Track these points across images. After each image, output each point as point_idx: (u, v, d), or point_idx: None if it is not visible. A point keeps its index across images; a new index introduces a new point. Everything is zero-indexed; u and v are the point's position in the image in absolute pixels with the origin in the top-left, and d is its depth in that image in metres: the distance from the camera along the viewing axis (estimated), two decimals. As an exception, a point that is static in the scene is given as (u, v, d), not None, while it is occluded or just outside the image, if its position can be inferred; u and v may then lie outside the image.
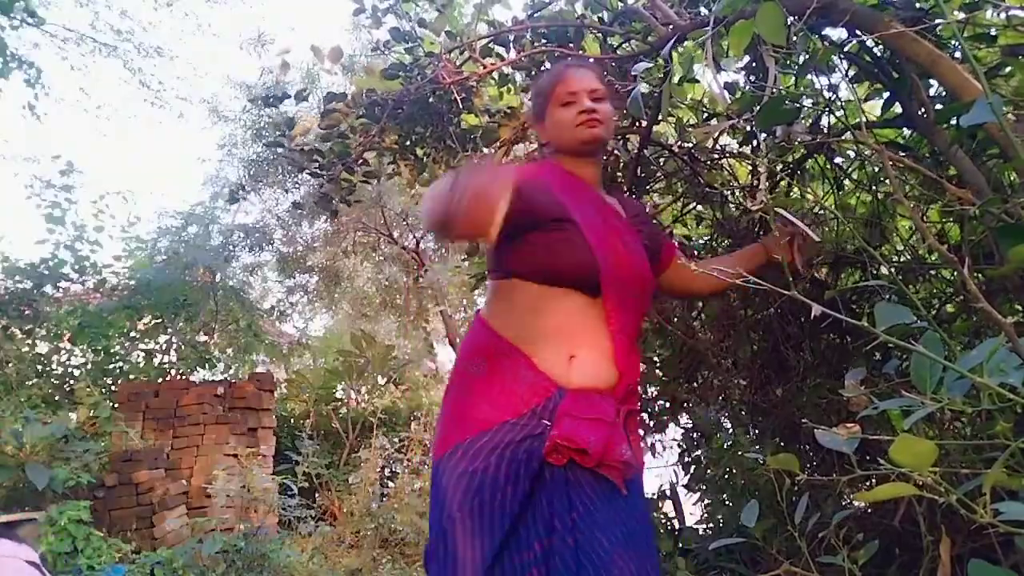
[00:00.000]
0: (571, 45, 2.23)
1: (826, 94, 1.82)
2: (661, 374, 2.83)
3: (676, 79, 1.89)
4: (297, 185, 9.54)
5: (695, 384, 2.77)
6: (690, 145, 2.27)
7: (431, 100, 2.27)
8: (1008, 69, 1.62)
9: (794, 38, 1.44)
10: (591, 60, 1.90)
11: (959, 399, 0.95)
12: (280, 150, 2.40)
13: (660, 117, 2.02)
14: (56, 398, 6.10)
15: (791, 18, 1.34)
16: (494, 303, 1.44)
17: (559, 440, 1.25)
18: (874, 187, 2.07)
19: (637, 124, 2.35)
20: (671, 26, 1.82)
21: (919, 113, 1.67)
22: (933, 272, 1.98)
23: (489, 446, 1.28)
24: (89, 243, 6.81)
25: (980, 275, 1.67)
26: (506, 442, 1.27)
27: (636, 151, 2.29)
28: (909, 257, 2.09)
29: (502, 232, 1.11)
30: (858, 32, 1.56)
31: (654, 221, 1.73)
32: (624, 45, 2.24)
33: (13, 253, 6.65)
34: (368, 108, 2.26)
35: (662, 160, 2.56)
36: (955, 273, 1.86)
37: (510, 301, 1.40)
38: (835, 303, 1.66)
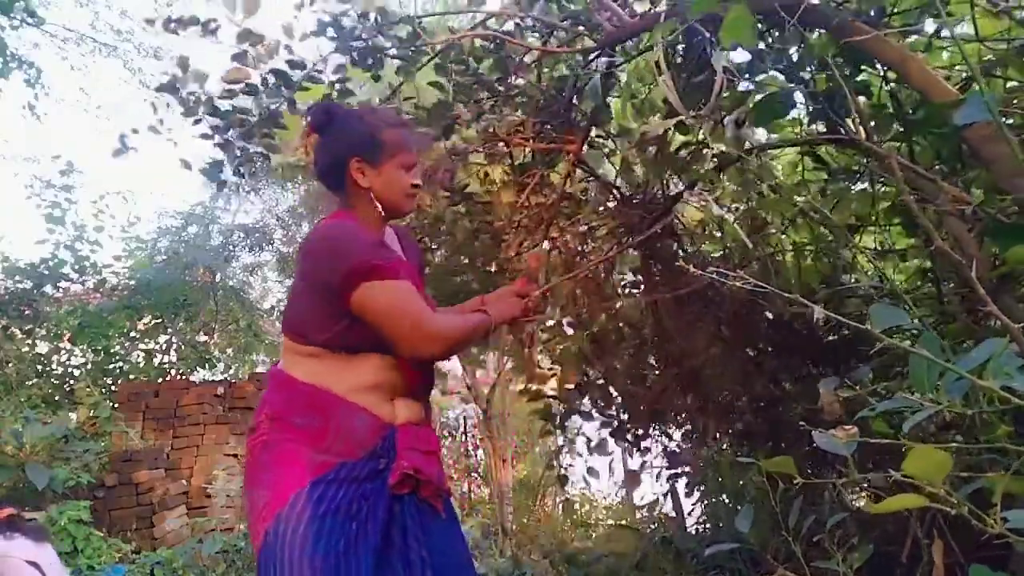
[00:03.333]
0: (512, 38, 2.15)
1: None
2: (640, 390, 2.82)
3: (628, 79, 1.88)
4: (297, 184, 9.54)
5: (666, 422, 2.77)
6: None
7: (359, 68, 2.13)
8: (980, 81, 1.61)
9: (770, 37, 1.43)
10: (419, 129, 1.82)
11: (958, 401, 0.94)
12: (171, 96, 2.11)
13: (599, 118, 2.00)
14: (56, 398, 6.10)
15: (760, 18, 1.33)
16: (309, 363, 1.44)
17: (409, 471, 1.35)
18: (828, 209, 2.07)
19: (571, 141, 2.28)
20: (619, 27, 1.80)
21: (852, 130, 1.65)
22: (906, 292, 1.97)
23: (334, 483, 1.31)
24: (89, 243, 6.82)
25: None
26: (351, 478, 1.33)
27: (573, 158, 2.25)
28: (874, 285, 2.08)
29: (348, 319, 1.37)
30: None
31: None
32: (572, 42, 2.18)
33: (13, 253, 6.67)
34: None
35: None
36: (931, 290, 1.86)
37: (334, 361, 1.42)
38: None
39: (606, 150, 2.49)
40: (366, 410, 1.39)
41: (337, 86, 2.21)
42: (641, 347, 2.55)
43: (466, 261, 2.62)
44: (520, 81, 2.32)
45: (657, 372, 2.56)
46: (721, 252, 2.42)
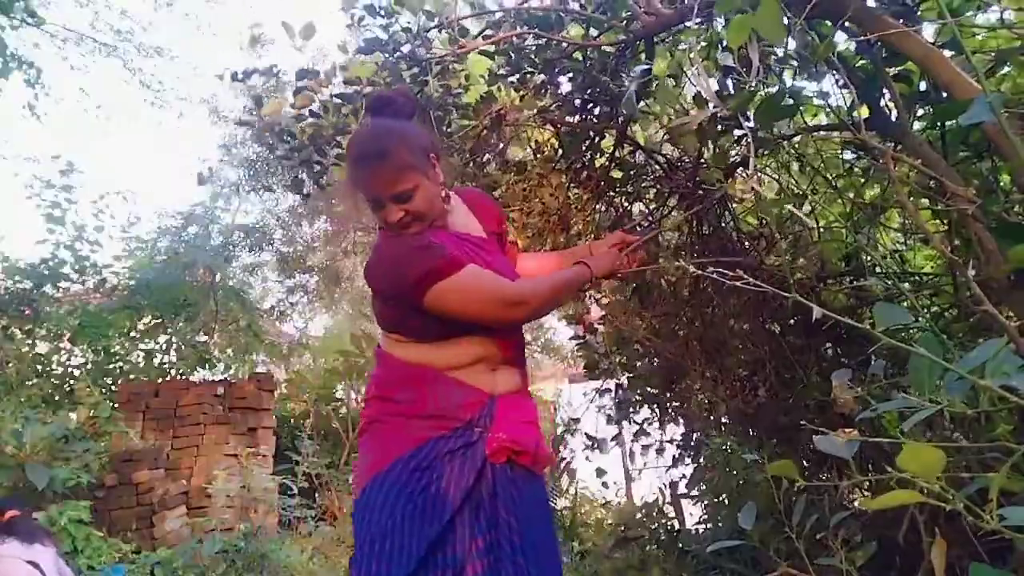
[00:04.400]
0: (552, 30, 2.20)
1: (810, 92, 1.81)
2: (648, 383, 2.85)
3: (664, 77, 1.89)
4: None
5: (682, 389, 2.78)
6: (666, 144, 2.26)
7: (407, 79, 2.24)
8: (1003, 71, 1.62)
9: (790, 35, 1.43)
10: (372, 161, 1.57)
11: (959, 401, 0.94)
12: (248, 129, 2.47)
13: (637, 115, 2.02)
14: (56, 398, 6.10)
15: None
16: (407, 345, 1.50)
17: (505, 441, 1.40)
18: (857, 194, 2.08)
19: (615, 121, 2.34)
20: (655, 16, 1.81)
21: (889, 115, 1.66)
22: (923, 279, 1.98)
23: (430, 456, 1.39)
24: (89, 243, 6.81)
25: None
26: (447, 451, 1.40)
27: (611, 150, 2.28)
28: (896, 268, 2.09)
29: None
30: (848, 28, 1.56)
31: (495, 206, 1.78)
32: (607, 33, 2.22)
33: (13, 253, 6.65)
34: (345, 87, 2.23)
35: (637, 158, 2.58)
36: (948, 280, 1.86)
37: (431, 344, 1.48)
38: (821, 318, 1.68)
39: (653, 120, 2.52)
40: (463, 383, 1.44)
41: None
42: (675, 307, 2.57)
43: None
44: (564, 59, 2.39)
45: (682, 333, 2.58)
46: (758, 227, 2.43)
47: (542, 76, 2.39)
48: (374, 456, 1.44)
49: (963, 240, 1.64)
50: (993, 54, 1.59)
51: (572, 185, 2.57)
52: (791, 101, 1.40)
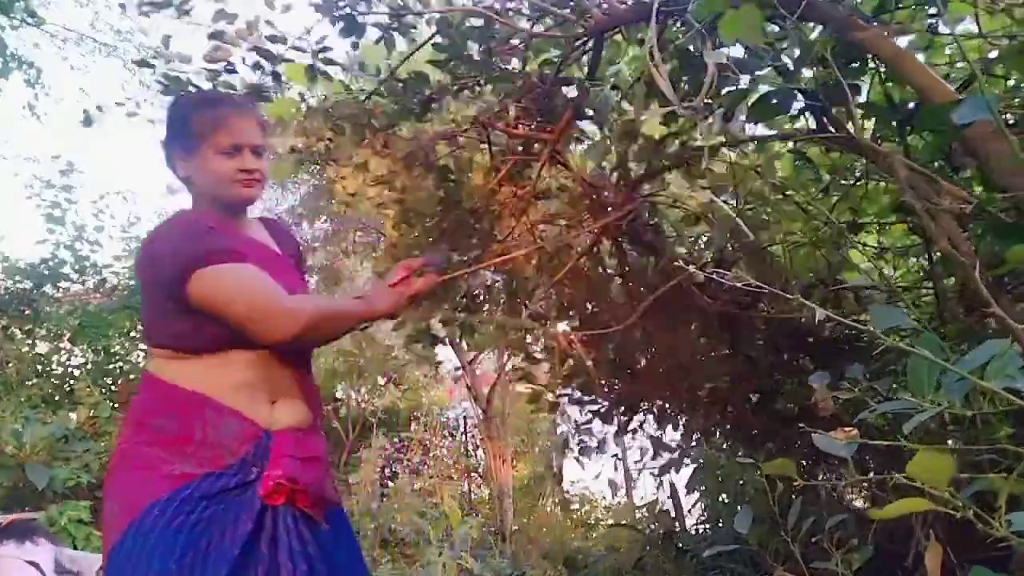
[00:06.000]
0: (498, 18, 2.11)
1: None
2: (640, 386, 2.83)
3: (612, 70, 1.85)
4: (297, 184, 9.53)
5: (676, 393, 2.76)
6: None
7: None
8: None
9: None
10: (251, 105, 1.60)
11: (958, 403, 0.94)
12: (150, 71, 2.06)
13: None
14: (56, 398, 6.10)
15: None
16: (175, 365, 1.32)
17: (282, 480, 1.23)
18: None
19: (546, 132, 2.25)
20: (608, 15, 1.78)
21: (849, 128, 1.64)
22: (900, 291, 1.98)
23: (196, 496, 1.20)
24: (89, 243, 6.81)
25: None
26: (216, 490, 1.21)
27: (539, 168, 2.22)
28: (875, 279, 2.08)
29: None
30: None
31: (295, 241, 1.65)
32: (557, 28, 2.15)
33: (13, 253, 6.66)
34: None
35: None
36: (929, 290, 1.86)
37: (199, 362, 1.31)
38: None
39: (584, 140, 2.48)
40: (238, 413, 1.27)
41: (320, 55, 2.17)
42: (628, 338, 2.51)
43: (431, 241, 2.55)
44: (504, 65, 2.28)
45: (643, 363, 2.54)
46: (710, 246, 2.40)
47: (478, 72, 2.23)
48: (126, 498, 1.22)
49: (941, 254, 1.63)
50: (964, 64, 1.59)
51: (496, 196, 2.45)
52: (774, 101, 1.40)
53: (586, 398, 2.75)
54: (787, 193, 2.13)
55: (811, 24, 1.59)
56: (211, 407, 1.26)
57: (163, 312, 1.31)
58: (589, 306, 2.51)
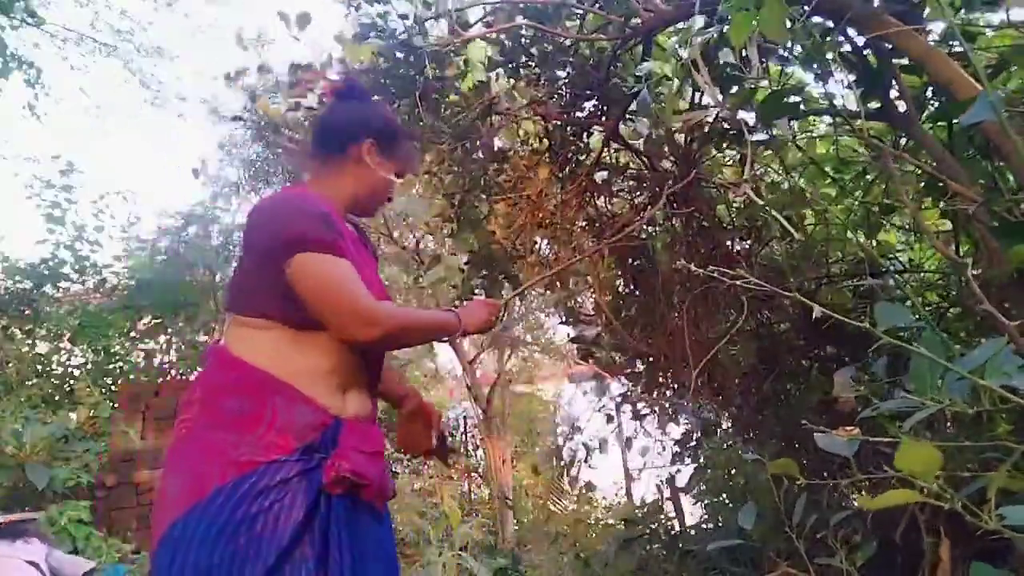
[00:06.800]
0: (550, 23, 2.21)
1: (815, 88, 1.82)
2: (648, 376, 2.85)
3: (662, 76, 1.89)
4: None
5: (687, 385, 2.77)
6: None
7: (402, 69, 2.22)
8: (1008, 70, 1.61)
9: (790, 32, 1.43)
10: None
11: (960, 400, 0.94)
12: (246, 127, 2.47)
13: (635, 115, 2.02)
14: (56, 398, 6.10)
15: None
16: (252, 339, 1.31)
17: (347, 474, 1.24)
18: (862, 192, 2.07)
19: (603, 119, 2.33)
20: (653, 12, 1.81)
21: (898, 108, 1.66)
22: (927, 275, 1.98)
23: (259, 485, 1.19)
24: (89, 243, 6.81)
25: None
26: (278, 481, 1.20)
27: (599, 148, 2.29)
28: (901, 264, 2.09)
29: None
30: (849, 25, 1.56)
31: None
32: (605, 28, 2.23)
33: (13, 253, 6.66)
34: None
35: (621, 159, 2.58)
36: (952, 277, 1.86)
37: (280, 337, 1.31)
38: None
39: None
40: (310, 400, 1.27)
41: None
42: (667, 306, 2.54)
43: (495, 231, 2.64)
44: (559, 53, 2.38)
45: (671, 337, 2.55)
46: (753, 223, 2.40)
47: (536, 68, 2.38)
48: (189, 482, 1.21)
49: (969, 238, 1.63)
50: (998, 54, 1.59)
51: (557, 179, 2.56)
52: (794, 98, 1.40)
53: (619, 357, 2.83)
54: (825, 170, 2.15)
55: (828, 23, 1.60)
56: (283, 391, 1.26)
57: (262, 282, 1.30)
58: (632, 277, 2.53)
